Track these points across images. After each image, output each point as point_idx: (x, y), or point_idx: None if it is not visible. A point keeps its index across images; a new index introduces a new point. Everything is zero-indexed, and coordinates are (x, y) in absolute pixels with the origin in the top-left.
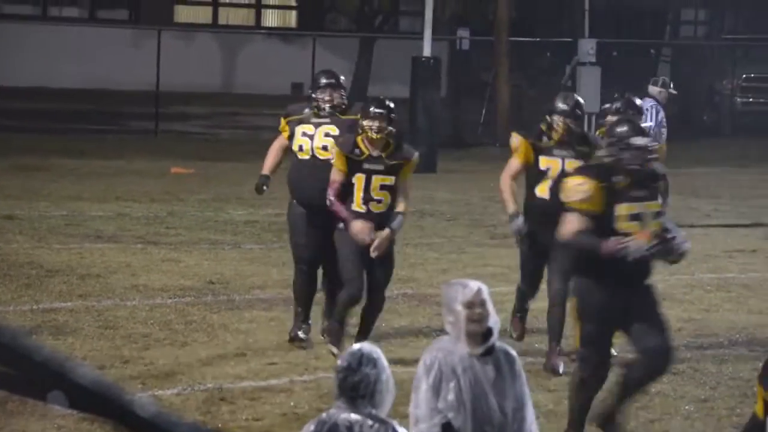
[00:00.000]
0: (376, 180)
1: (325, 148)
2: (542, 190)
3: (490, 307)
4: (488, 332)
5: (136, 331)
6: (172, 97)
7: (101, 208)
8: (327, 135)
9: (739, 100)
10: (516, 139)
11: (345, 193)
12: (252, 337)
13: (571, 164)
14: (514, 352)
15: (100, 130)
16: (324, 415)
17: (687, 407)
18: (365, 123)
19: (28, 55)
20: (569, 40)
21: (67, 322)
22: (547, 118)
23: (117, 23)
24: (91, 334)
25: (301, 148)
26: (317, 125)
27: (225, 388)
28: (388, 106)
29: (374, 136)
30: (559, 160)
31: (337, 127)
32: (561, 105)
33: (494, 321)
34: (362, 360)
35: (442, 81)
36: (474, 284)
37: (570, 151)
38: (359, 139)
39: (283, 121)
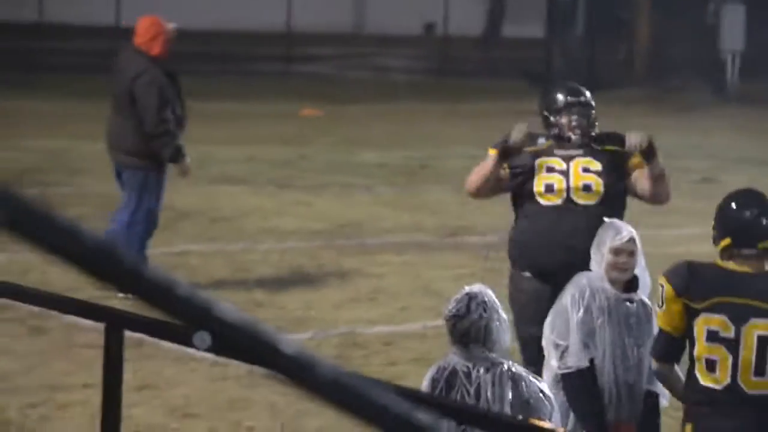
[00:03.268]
0: None
1: (587, 188)
2: None
3: (639, 257)
4: (633, 280)
5: (268, 274)
6: (302, 38)
7: (230, 150)
8: (586, 171)
9: None
10: None
11: None
12: (385, 281)
13: None
14: (650, 303)
15: (229, 71)
16: (442, 361)
17: None
18: None
19: None
20: None
21: (199, 265)
22: None
23: None
24: (223, 277)
25: (550, 189)
26: (567, 159)
27: (358, 333)
28: None
29: None
30: None
31: (597, 160)
32: None
33: (642, 270)
34: (470, 305)
35: (579, 19)
36: (627, 231)
37: None
38: None
39: (494, 153)
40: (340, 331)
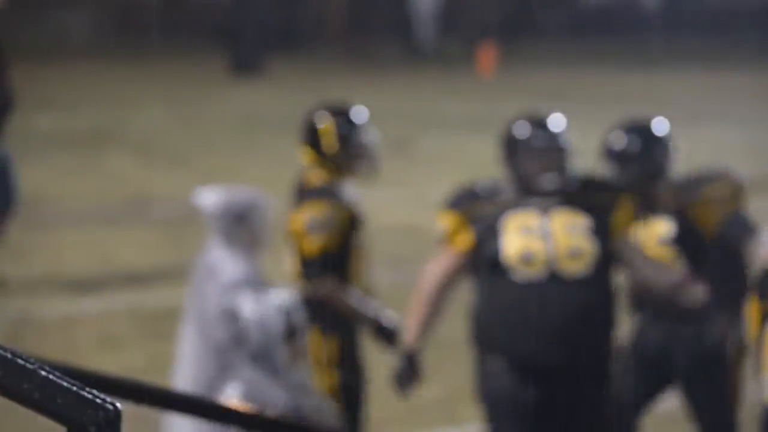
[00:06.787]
0: None
1: (575, 253)
2: None
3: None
4: None
5: None
6: None
7: None
8: (573, 228)
9: None
10: None
11: None
12: (64, 256)
13: None
14: None
15: None
16: None
17: None
18: None
19: None
20: None
21: None
22: None
23: None
24: None
25: (527, 260)
26: (543, 210)
27: (33, 314)
28: None
29: None
30: None
31: (584, 211)
32: None
33: None
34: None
35: None
36: None
37: None
38: None
39: (454, 217)
40: (12, 313)
